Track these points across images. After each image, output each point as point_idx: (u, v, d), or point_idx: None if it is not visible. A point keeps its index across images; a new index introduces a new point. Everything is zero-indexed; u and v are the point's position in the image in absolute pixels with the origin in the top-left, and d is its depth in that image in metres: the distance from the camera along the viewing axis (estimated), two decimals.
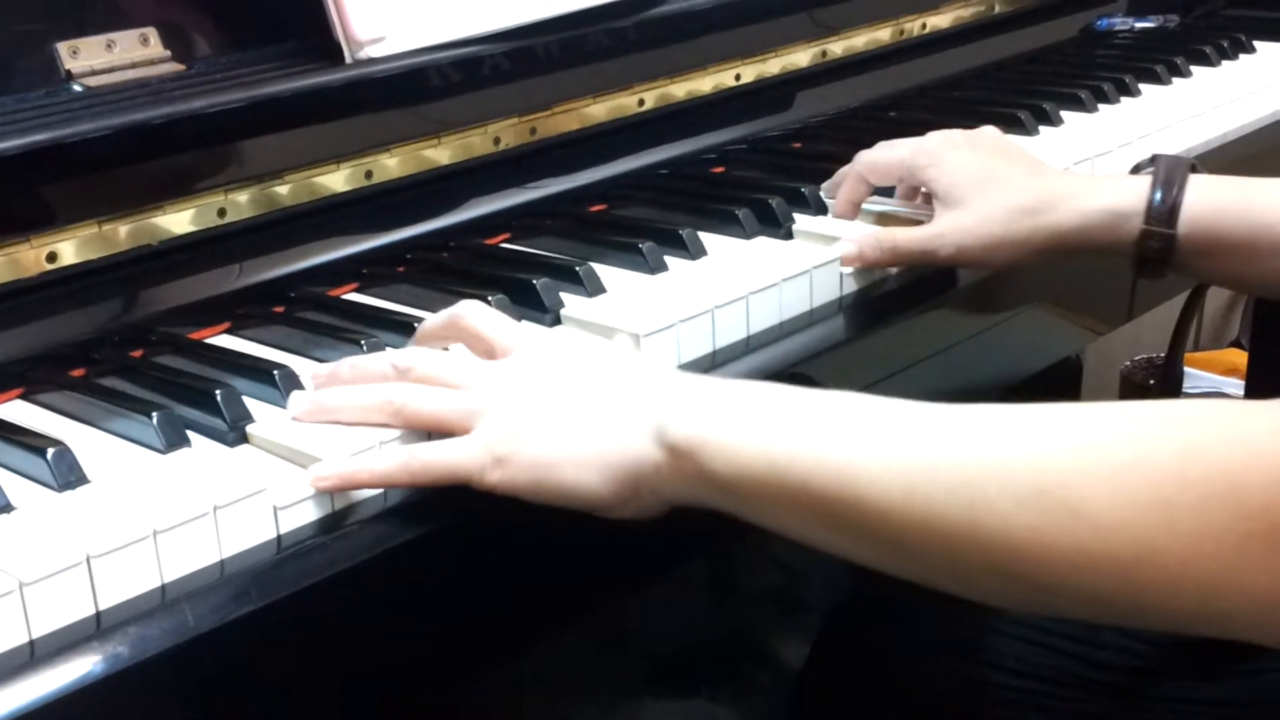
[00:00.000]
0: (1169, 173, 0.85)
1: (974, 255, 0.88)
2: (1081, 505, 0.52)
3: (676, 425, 0.63)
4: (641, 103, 1.06)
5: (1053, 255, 0.88)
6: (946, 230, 0.88)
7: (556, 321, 0.82)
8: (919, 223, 0.92)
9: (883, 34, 1.24)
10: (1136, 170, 0.94)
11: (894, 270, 0.91)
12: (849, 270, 0.89)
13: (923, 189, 0.95)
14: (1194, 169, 0.87)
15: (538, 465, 0.65)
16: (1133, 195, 0.86)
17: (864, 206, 0.97)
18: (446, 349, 0.75)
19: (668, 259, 0.88)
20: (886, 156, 0.94)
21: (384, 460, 0.66)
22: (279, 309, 0.85)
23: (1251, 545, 0.49)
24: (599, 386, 0.67)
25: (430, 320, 0.76)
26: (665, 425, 0.63)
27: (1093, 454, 0.53)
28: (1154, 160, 0.88)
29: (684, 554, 0.89)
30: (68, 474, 0.64)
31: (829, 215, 0.97)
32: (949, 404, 0.59)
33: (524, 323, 0.77)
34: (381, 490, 0.67)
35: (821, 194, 0.99)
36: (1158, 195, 0.85)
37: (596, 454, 0.64)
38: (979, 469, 0.55)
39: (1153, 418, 0.54)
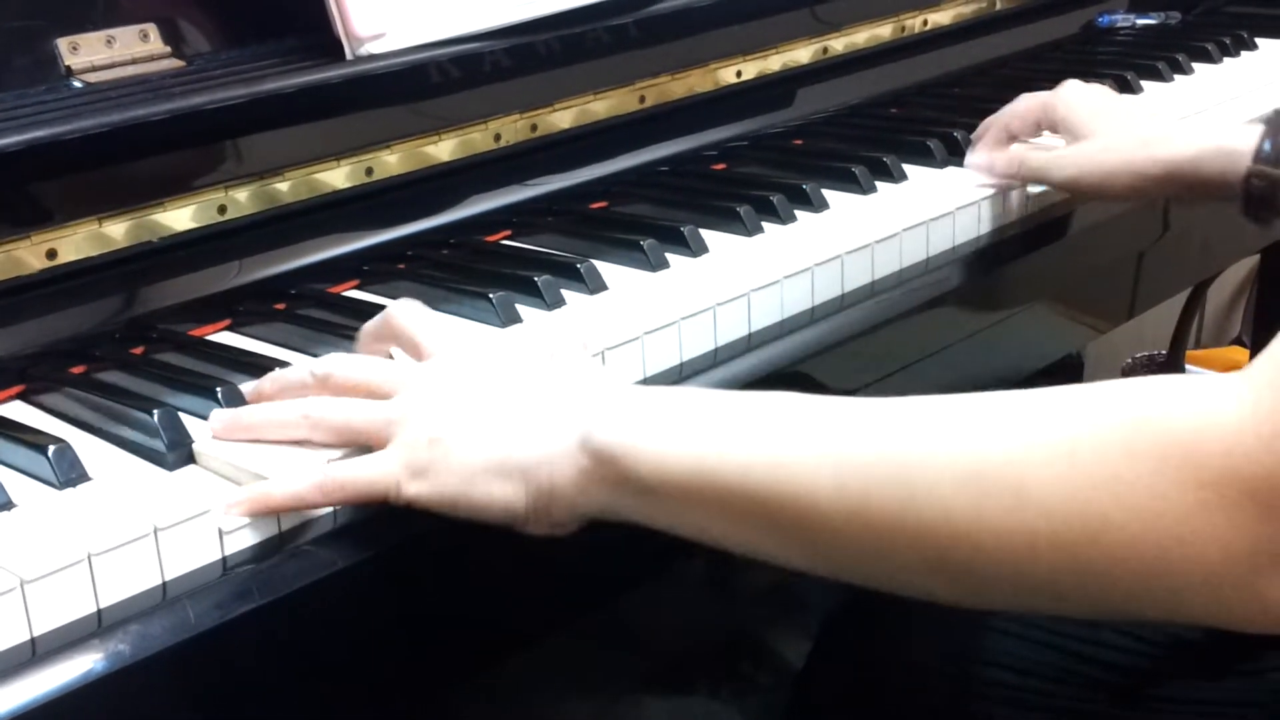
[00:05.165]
0: None
1: (1092, 182, 0.96)
2: (1025, 485, 0.52)
3: (600, 431, 0.61)
4: (642, 100, 1.06)
5: (1165, 187, 0.95)
6: (1069, 154, 0.96)
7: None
8: None
9: (884, 31, 1.24)
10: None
11: (889, 270, 0.91)
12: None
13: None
14: None
15: (453, 476, 0.62)
16: (1245, 136, 0.91)
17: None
18: (390, 355, 0.73)
19: (669, 256, 0.88)
20: (1025, 102, 1.02)
21: (299, 481, 0.63)
22: (280, 306, 0.84)
23: (1203, 515, 0.49)
24: (521, 394, 0.65)
25: (369, 324, 0.73)
26: (588, 431, 0.61)
27: (1036, 434, 0.52)
28: (1275, 112, 0.93)
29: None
30: (69, 471, 0.64)
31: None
32: (883, 397, 0.58)
33: (458, 323, 0.75)
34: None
35: (967, 158, 1.05)
36: (1268, 141, 0.89)
37: (515, 463, 0.62)
38: (917, 457, 0.54)
39: (1096, 396, 0.53)
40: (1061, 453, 0.51)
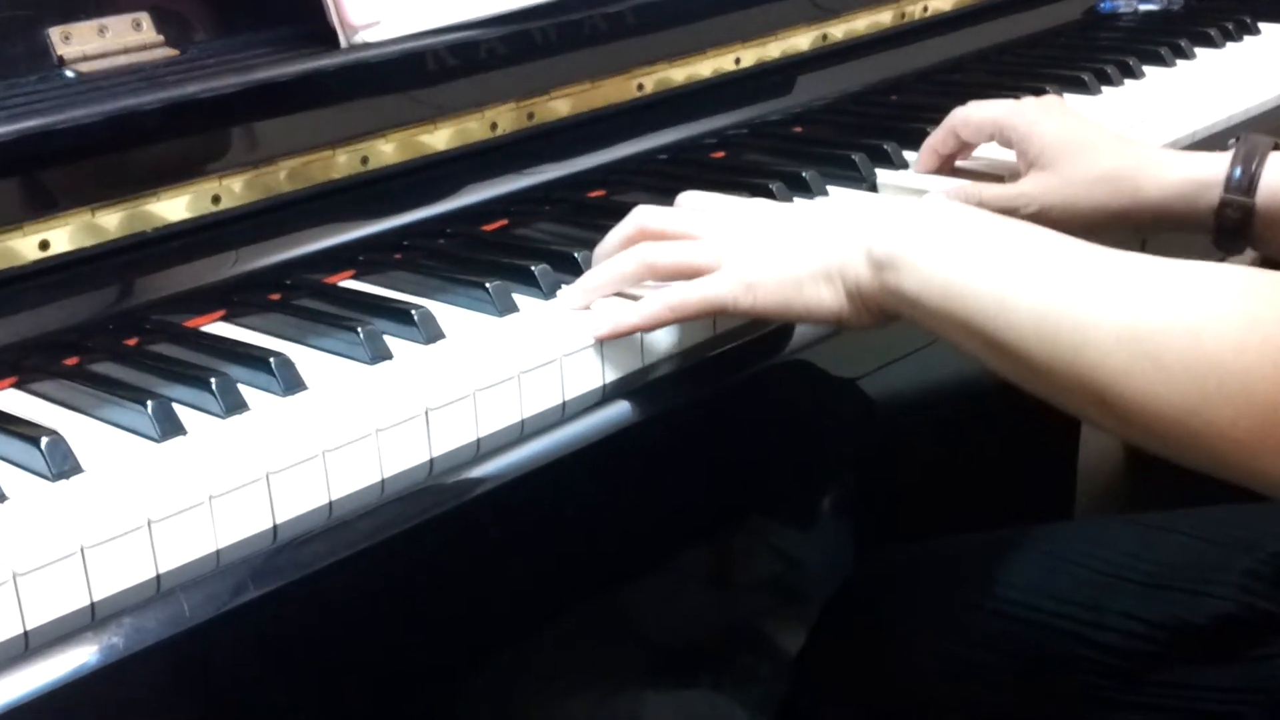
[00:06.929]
0: (1250, 148, 0.88)
1: (1055, 217, 0.91)
2: (1207, 361, 0.59)
3: (878, 242, 0.71)
4: (640, 87, 1.05)
5: (1131, 222, 0.92)
6: (1033, 190, 0.92)
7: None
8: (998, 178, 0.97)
9: (884, 17, 1.23)
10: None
11: None
12: None
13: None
14: (1277, 146, 0.89)
15: (783, 286, 0.74)
16: (1213, 167, 0.89)
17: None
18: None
19: None
20: (980, 113, 0.98)
21: (648, 306, 0.75)
22: (275, 296, 0.84)
23: None
24: (819, 217, 0.76)
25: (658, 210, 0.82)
26: (871, 241, 0.71)
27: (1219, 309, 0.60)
28: (1237, 138, 0.90)
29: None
30: (62, 463, 0.64)
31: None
32: (1110, 252, 0.66)
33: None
34: (379, 479, 0.67)
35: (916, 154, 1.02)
36: (1238, 168, 0.88)
37: (826, 270, 0.73)
38: (1085, 320, 0.62)
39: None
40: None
